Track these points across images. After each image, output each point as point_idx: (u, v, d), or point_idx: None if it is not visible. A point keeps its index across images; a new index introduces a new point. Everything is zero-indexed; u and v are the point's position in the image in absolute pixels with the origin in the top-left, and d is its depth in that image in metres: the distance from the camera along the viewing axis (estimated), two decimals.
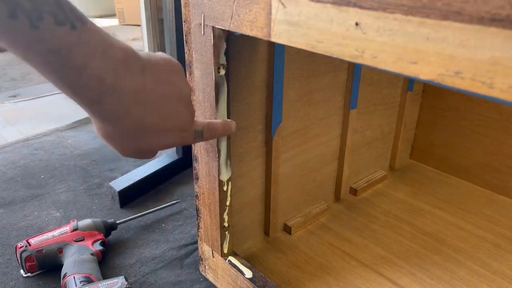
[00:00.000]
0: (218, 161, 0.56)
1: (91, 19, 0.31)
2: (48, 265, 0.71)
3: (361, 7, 0.31)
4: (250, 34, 0.42)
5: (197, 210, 0.66)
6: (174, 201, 0.91)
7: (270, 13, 0.39)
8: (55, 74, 0.30)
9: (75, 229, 0.74)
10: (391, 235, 0.76)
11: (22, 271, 0.72)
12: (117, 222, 0.81)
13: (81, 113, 1.31)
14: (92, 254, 0.71)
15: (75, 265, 0.67)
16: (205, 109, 0.55)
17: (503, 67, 0.24)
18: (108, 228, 0.79)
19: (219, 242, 0.63)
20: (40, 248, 0.70)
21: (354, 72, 0.74)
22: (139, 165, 1.02)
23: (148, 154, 0.40)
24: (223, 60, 0.51)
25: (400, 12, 0.28)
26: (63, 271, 0.67)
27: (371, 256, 0.71)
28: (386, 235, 0.76)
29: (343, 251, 0.72)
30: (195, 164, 0.62)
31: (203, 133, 0.44)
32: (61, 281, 0.66)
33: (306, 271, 0.68)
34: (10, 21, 0.27)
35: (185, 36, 0.54)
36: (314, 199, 0.81)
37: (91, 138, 1.23)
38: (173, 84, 0.37)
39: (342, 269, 0.68)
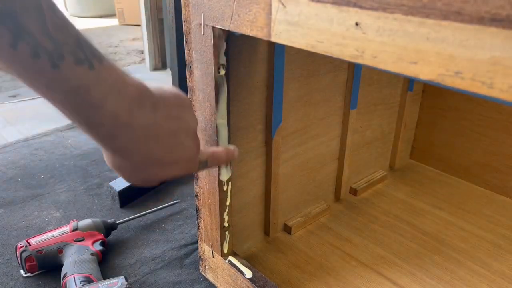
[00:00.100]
0: None
1: (106, 55, 0.32)
2: (48, 265, 0.71)
3: (361, 7, 0.31)
4: (250, 34, 0.42)
5: (197, 210, 0.66)
6: (174, 201, 0.91)
7: (270, 13, 0.39)
8: (72, 111, 0.31)
9: (75, 229, 0.74)
10: (391, 235, 0.76)
11: (22, 271, 0.72)
12: (117, 222, 0.81)
13: None
14: (92, 254, 0.71)
15: (75, 265, 0.67)
16: (205, 109, 0.55)
17: (503, 67, 0.24)
18: (108, 228, 0.79)
19: (219, 242, 0.63)
20: (40, 248, 0.70)
21: (354, 72, 0.74)
22: None
23: (154, 182, 0.41)
24: (223, 60, 0.51)
25: (400, 12, 0.28)
26: (63, 271, 0.67)
27: (371, 256, 0.71)
28: (386, 235, 0.76)
29: (343, 251, 0.72)
30: None
31: (207, 163, 0.46)
32: (61, 281, 0.66)
33: (306, 271, 0.68)
34: (33, 61, 0.27)
35: (185, 36, 0.54)
36: (314, 199, 0.81)
37: None
38: (182, 119, 0.39)
39: (342, 269, 0.68)
